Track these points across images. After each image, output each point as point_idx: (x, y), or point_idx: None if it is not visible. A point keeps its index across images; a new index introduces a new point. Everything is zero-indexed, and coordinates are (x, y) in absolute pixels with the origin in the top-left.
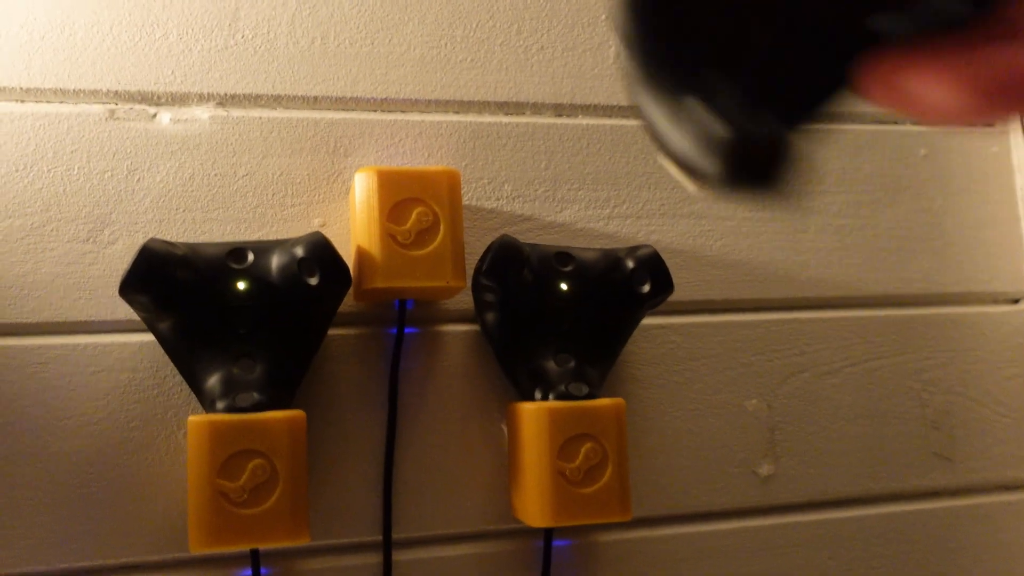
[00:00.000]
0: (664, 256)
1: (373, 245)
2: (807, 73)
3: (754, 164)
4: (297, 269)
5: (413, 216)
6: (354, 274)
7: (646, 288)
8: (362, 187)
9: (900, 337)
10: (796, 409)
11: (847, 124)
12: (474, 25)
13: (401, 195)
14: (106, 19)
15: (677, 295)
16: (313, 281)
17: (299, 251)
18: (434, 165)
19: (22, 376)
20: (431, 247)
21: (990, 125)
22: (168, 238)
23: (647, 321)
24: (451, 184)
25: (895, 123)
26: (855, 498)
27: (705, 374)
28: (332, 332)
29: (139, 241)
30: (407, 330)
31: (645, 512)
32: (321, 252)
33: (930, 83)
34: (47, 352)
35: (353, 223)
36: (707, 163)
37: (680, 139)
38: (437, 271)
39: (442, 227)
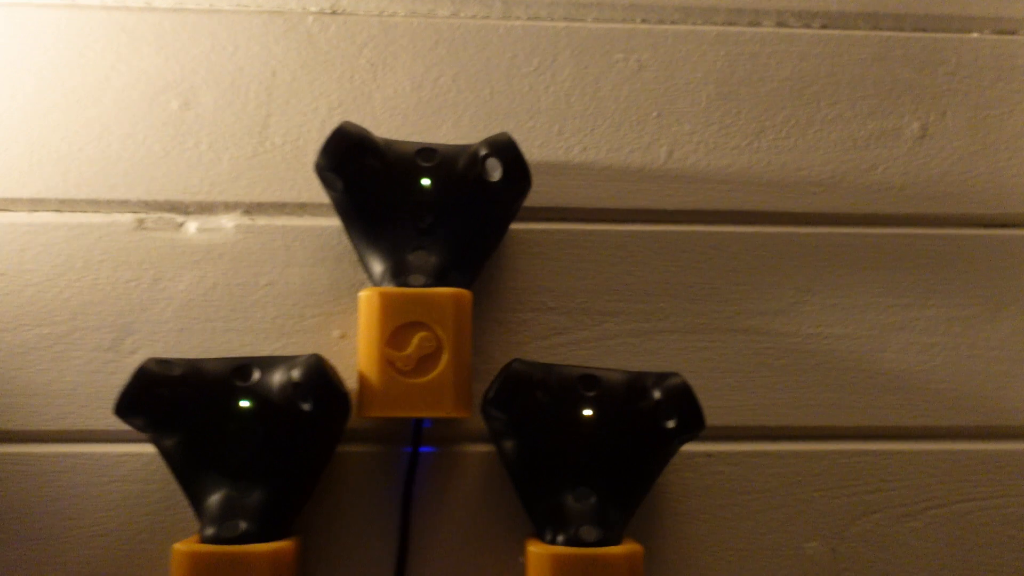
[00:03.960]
0: (714, 375)
1: (372, 371)
2: None
3: None
4: (292, 393)
5: (415, 341)
6: (357, 396)
7: (672, 424)
8: (364, 308)
9: (999, 476)
10: (866, 556)
11: (932, 228)
12: (512, 126)
13: (403, 318)
14: (141, 129)
15: (728, 419)
16: (307, 407)
17: (295, 374)
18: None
19: (38, 483)
20: (432, 375)
21: None
22: (187, 348)
23: (690, 448)
24: (458, 306)
25: (1002, 227)
26: None
27: (757, 511)
28: (342, 449)
29: (159, 351)
30: (423, 449)
31: None
32: (315, 378)
33: None
34: (63, 460)
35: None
36: None
37: None
38: (438, 401)
39: (445, 354)
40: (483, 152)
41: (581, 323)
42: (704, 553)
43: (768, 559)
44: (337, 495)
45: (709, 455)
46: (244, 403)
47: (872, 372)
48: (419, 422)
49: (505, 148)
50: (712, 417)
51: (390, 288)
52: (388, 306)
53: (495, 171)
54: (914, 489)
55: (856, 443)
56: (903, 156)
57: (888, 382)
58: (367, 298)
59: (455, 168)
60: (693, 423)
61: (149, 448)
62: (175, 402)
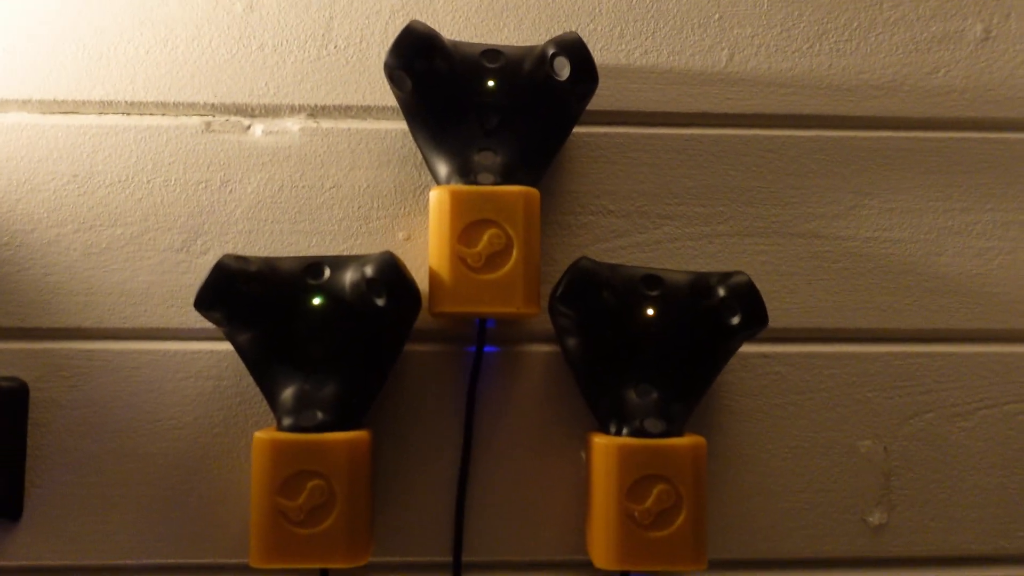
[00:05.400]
0: (772, 278)
1: (443, 268)
2: None
3: None
4: (366, 289)
5: (485, 238)
6: (428, 294)
7: (736, 320)
8: (435, 206)
9: None
10: (917, 453)
11: (992, 132)
12: (573, 28)
13: (473, 216)
14: (206, 32)
15: (784, 321)
16: (381, 302)
17: (368, 271)
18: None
19: (117, 379)
20: (502, 271)
21: None
22: (256, 249)
23: (747, 348)
24: (528, 205)
25: None
26: (982, 556)
27: (811, 410)
28: (410, 348)
29: (229, 251)
30: (487, 349)
31: (736, 555)
32: (389, 274)
33: None
34: (140, 357)
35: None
36: None
37: None
38: (508, 297)
39: (515, 250)
40: (551, 51)
41: (640, 226)
42: (760, 450)
43: (822, 456)
44: (404, 393)
45: (765, 356)
46: (316, 300)
47: (928, 275)
48: (483, 322)
49: (573, 46)
50: (769, 319)
51: (461, 186)
52: (459, 203)
53: (563, 70)
54: (966, 390)
55: (910, 345)
56: (965, 59)
57: (943, 285)
58: (438, 196)
59: (521, 69)
60: (757, 319)
61: (221, 346)
62: (251, 297)
